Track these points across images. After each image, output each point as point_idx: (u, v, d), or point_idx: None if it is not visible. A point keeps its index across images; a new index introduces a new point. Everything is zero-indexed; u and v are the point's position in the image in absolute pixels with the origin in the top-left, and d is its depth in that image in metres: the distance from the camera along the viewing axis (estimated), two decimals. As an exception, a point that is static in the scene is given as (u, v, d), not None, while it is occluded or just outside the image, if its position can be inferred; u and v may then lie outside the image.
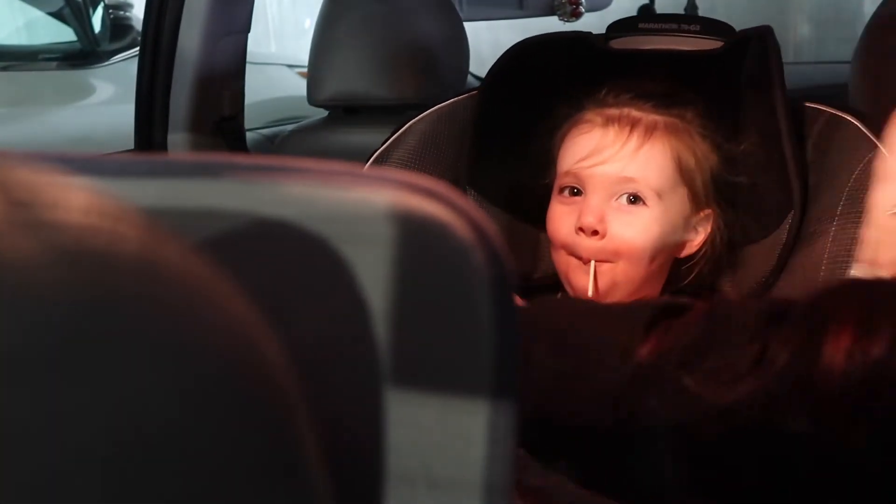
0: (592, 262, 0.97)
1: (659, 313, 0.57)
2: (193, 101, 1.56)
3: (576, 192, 0.99)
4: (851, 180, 0.95)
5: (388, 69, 1.69)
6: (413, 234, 0.30)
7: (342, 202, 0.31)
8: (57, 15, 2.52)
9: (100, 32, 2.50)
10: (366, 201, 0.31)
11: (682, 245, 1.02)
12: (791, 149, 0.98)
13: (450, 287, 0.30)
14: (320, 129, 1.78)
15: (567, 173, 1.00)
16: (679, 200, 0.99)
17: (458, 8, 1.91)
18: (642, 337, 0.55)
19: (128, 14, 2.64)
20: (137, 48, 1.66)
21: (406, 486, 0.31)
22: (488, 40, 2.74)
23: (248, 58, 1.67)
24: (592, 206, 0.97)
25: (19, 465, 0.21)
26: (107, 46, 2.47)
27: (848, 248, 0.92)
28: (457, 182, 1.10)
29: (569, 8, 2.47)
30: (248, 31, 1.66)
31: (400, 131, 1.14)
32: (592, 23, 1.78)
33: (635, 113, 0.99)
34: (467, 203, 0.32)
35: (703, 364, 0.53)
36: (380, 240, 0.30)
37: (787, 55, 1.77)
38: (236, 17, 1.62)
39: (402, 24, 1.71)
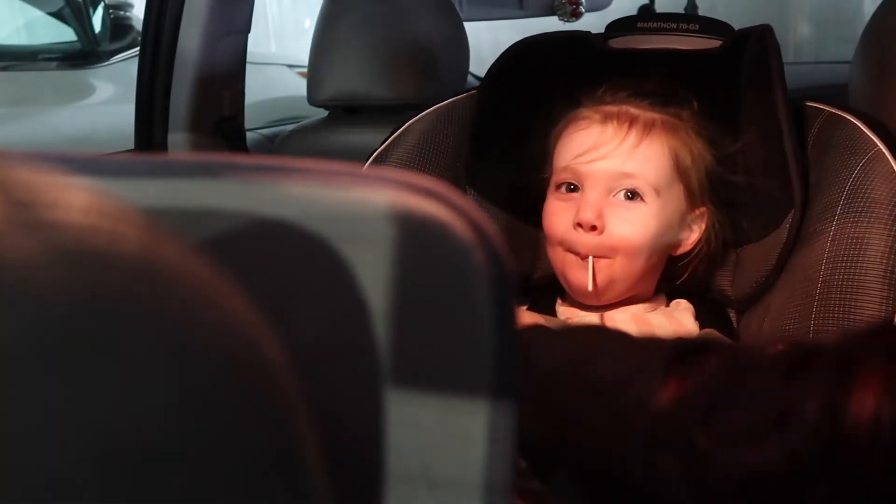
0: (591, 258, 0.97)
1: (677, 356, 0.53)
2: (193, 101, 1.56)
3: (573, 188, 0.99)
4: (851, 179, 0.95)
5: (388, 69, 1.69)
6: (413, 234, 0.30)
7: (342, 202, 0.31)
8: (57, 15, 2.52)
9: (100, 32, 2.50)
10: (366, 201, 0.31)
11: (677, 243, 1.02)
12: (792, 147, 0.98)
13: (450, 287, 0.30)
14: (320, 129, 1.77)
15: (565, 169, 1.00)
16: (675, 197, 0.99)
17: (458, 8, 1.91)
18: (660, 380, 0.51)
19: (128, 14, 2.64)
20: (137, 48, 1.65)
21: (406, 486, 0.31)
22: (488, 40, 2.73)
23: (248, 58, 1.67)
24: (591, 202, 0.97)
25: (19, 465, 0.21)
26: (107, 46, 2.47)
27: (847, 248, 0.91)
28: (456, 182, 1.10)
29: (569, 8, 2.46)
30: (248, 31, 1.65)
31: (399, 131, 1.14)
32: (592, 23, 1.78)
33: (633, 110, 0.99)
34: (467, 203, 0.32)
35: (722, 420, 0.49)
36: (380, 240, 0.30)
37: (787, 55, 1.77)
38: (236, 17, 1.61)
39: (402, 24, 1.71)
